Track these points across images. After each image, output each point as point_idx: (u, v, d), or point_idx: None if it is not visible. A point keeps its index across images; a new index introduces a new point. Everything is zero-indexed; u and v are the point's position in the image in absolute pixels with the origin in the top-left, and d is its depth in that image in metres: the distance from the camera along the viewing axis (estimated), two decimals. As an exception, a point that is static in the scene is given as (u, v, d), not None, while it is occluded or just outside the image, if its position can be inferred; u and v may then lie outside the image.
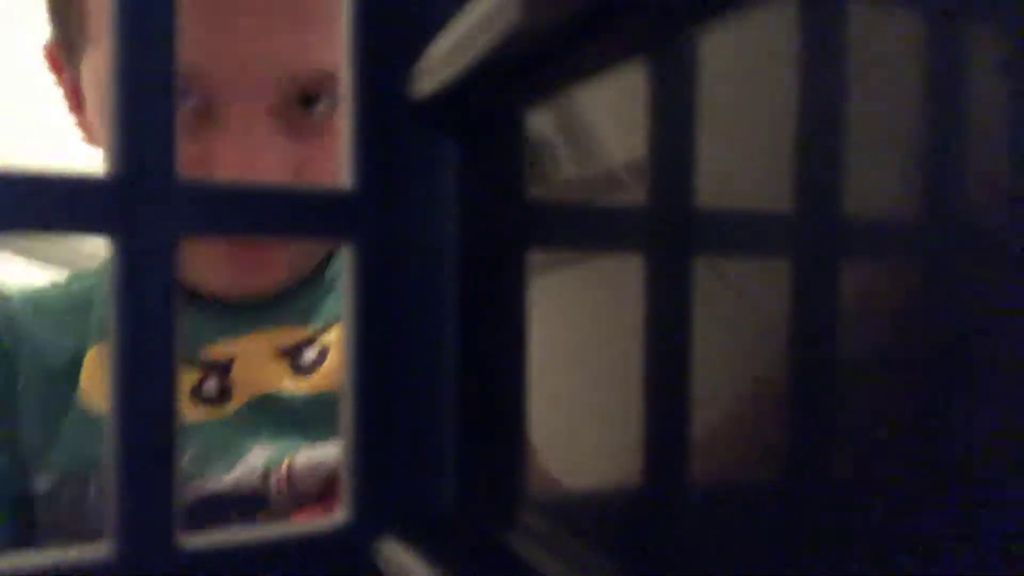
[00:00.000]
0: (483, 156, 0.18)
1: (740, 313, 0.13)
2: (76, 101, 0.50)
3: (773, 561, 0.12)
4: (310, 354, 0.50)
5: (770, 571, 0.12)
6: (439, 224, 0.18)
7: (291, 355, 0.48)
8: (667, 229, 0.14)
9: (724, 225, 0.13)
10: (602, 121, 0.16)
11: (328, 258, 0.53)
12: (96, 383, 0.46)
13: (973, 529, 0.09)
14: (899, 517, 0.10)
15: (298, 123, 0.43)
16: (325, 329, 0.50)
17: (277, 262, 0.48)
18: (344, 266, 0.17)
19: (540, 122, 0.17)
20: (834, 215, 0.11)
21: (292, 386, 0.47)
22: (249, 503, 0.44)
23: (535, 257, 0.17)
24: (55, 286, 0.54)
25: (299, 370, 0.48)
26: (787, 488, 0.12)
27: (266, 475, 0.45)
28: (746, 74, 0.13)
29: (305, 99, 0.43)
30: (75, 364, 0.46)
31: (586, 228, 0.16)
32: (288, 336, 0.50)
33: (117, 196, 0.16)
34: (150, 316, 0.16)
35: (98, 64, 0.47)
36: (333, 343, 0.49)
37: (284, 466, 0.45)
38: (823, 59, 0.11)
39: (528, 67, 0.16)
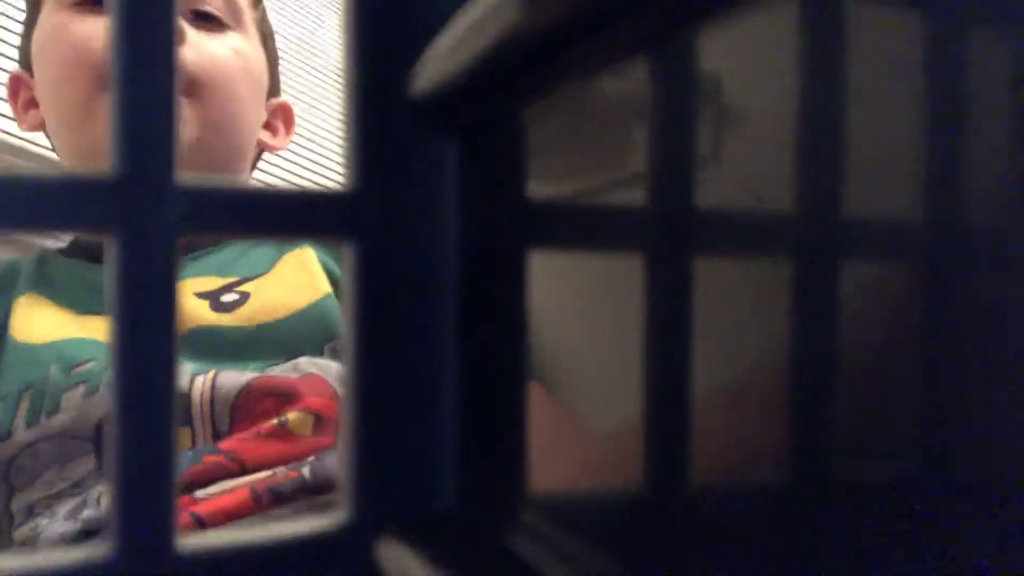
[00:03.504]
0: (483, 156, 0.18)
1: (743, 313, 0.13)
2: (26, 106, 0.61)
3: (774, 561, 0.12)
4: (229, 296, 0.57)
5: (771, 571, 0.12)
6: (439, 224, 0.18)
7: (210, 298, 0.57)
8: (668, 227, 0.14)
9: (726, 224, 0.14)
10: (603, 120, 0.16)
11: None
12: (23, 321, 0.57)
13: (976, 530, 0.09)
14: (901, 517, 0.10)
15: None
16: (242, 282, 0.58)
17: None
18: (345, 266, 0.17)
19: (541, 122, 0.17)
20: (839, 212, 0.11)
21: (213, 319, 0.55)
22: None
23: (535, 256, 0.17)
24: None
25: (219, 308, 0.56)
26: (789, 488, 0.12)
27: (192, 379, 0.51)
28: (748, 73, 0.13)
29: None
30: (6, 315, 0.58)
31: (586, 227, 0.16)
32: (206, 284, 0.58)
33: (117, 196, 0.16)
34: (149, 312, 0.16)
35: (44, 28, 0.60)
36: (254, 289, 0.57)
37: (211, 375, 0.52)
38: (824, 57, 0.11)
39: (528, 67, 0.16)
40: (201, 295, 0.58)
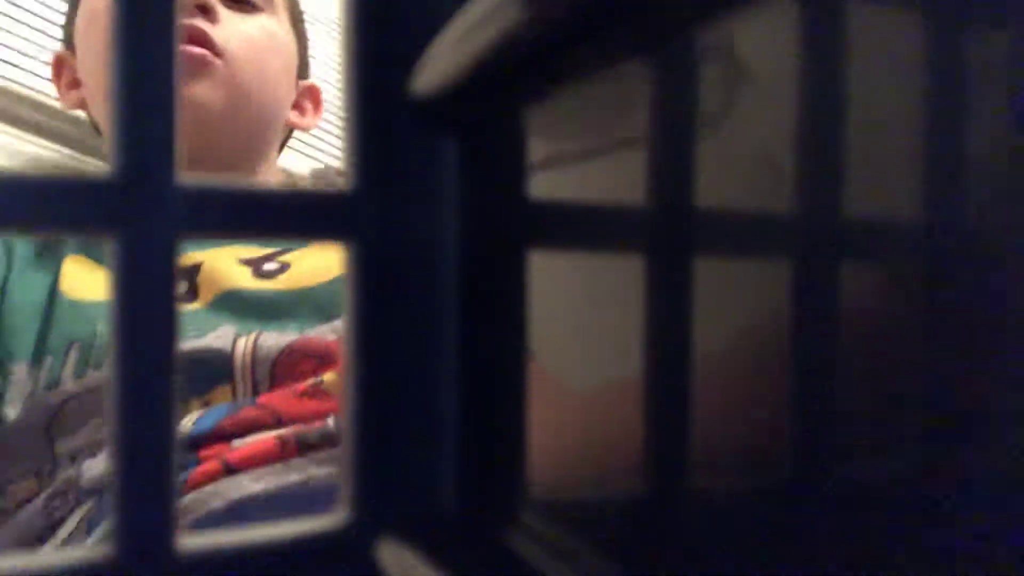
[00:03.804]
0: (483, 155, 0.18)
1: (743, 312, 0.13)
2: (69, 85, 0.63)
3: (775, 561, 0.12)
4: (271, 266, 0.60)
5: (772, 571, 0.12)
6: (440, 223, 0.18)
7: (253, 265, 0.58)
8: (669, 227, 0.14)
9: (725, 223, 0.13)
10: (603, 118, 0.16)
11: None
12: (72, 280, 0.59)
13: (978, 530, 0.09)
14: (902, 516, 0.10)
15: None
16: (283, 252, 0.61)
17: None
18: (345, 266, 0.17)
19: (542, 121, 0.17)
20: (843, 207, 0.11)
21: (254, 285, 0.56)
22: (214, 365, 0.52)
23: (535, 255, 0.17)
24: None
25: (261, 275, 0.59)
26: (790, 488, 0.12)
27: (235, 339, 0.53)
28: (749, 72, 0.13)
29: None
30: (56, 274, 0.60)
31: (587, 226, 0.16)
32: (250, 252, 0.60)
33: (118, 197, 0.16)
34: (150, 314, 0.16)
35: (87, 10, 0.63)
36: (294, 260, 0.60)
37: (253, 336, 0.54)
38: (825, 56, 0.11)
39: (528, 66, 0.16)
40: (245, 261, 0.60)
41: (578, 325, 0.17)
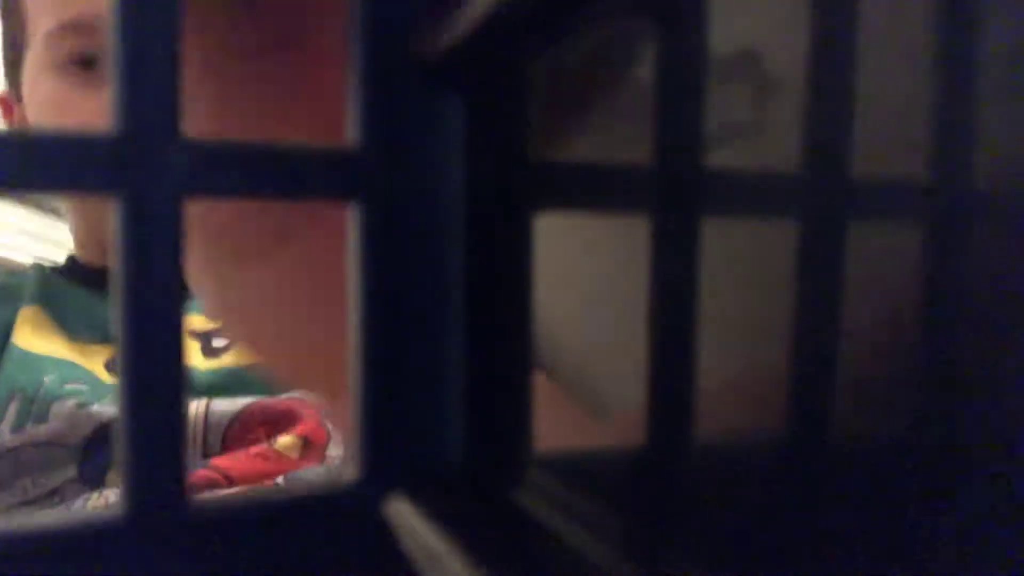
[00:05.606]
0: (491, 112, 0.17)
1: (751, 274, 0.13)
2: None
3: (783, 517, 0.12)
4: (220, 341, 0.59)
5: (779, 527, 0.12)
6: (446, 182, 0.18)
7: (202, 338, 0.57)
8: (679, 189, 0.14)
9: (735, 185, 0.13)
10: (612, 76, 0.16)
11: None
12: (26, 331, 0.58)
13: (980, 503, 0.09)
14: (908, 488, 0.10)
15: None
16: None
17: None
18: (351, 226, 0.17)
19: (550, 78, 0.16)
20: (856, 177, 0.11)
21: (201, 365, 0.55)
22: None
23: (542, 215, 0.17)
24: None
25: (209, 352, 0.56)
26: (798, 445, 0.12)
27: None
28: (769, 27, 0.12)
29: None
30: (10, 322, 0.58)
31: (595, 187, 0.16)
32: (200, 323, 0.57)
33: (120, 155, 0.15)
34: (155, 275, 0.16)
35: (32, 63, 0.59)
36: None
37: (204, 402, 0.52)
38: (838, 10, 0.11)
39: (536, 22, 0.15)
40: (194, 335, 0.59)
41: (584, 284, 0.17)
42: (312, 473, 0.52)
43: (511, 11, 0.15)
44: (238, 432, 0.54)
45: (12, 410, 0.55)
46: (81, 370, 0.56)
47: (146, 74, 0.15)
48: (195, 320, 0.59)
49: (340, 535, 0.17)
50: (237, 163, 0.16)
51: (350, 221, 0.17)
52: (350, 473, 0.17)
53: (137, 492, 0.16)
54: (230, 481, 0.50)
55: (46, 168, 0.15)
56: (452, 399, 0.18)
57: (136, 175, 0.15)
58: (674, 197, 0.14)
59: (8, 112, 0.67)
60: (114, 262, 0.15)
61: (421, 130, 0.17)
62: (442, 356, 0.18)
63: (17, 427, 0.54)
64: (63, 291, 0.62)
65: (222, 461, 0.52)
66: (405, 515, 0.17)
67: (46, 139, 0.15)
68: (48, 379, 0.55)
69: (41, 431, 0.53)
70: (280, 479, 0.50)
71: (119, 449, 0.16)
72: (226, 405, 0.54)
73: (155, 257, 0.16)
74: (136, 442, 0.16)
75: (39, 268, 0.65)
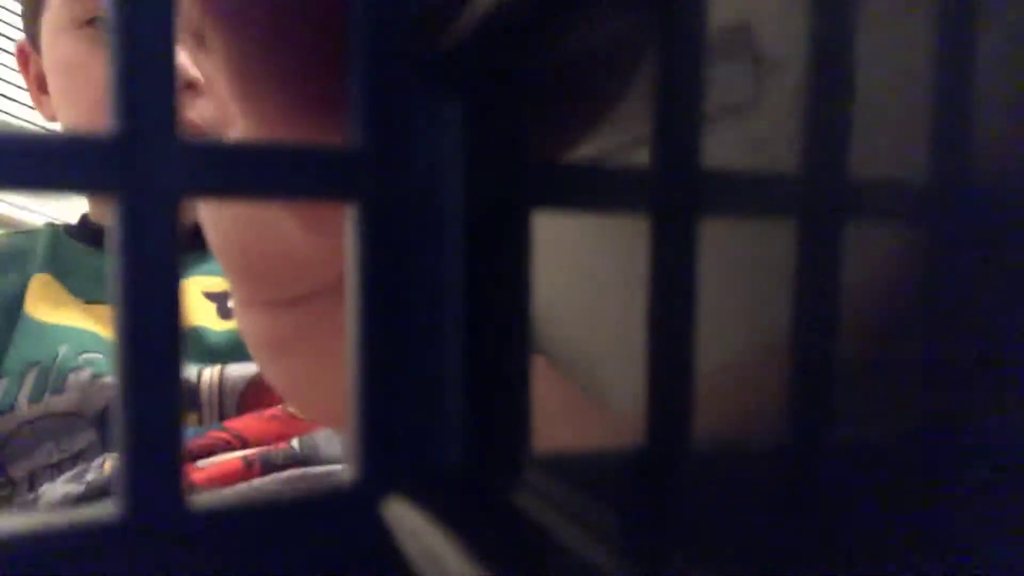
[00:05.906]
0: (490, 114, 0.17)
1: (750, 273, 0.13)
2: (39, 86, 0.61)
3: (782, 517, 0.12)
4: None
5: (779, 527, 0.12)
6: (445, 183, 0.18)
7: (218, 300, 0.56)
8: (679, 189, 0.14)
9: (734, 185, 0.13)
10: (611, 77, 0.16)
11: None
12: (37, 300, 0.56)
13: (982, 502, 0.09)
14: (909, 487, 0.10)
15: None
16: None
17: None
18: (348, 227, 0.17)
19: (548, 79, 0.16)
20: (858, 175, 0.11)
21: (216, 326, 0.54)
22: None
23: (541, 216, 0.17)
24: None
25: (225, 314, 0.55)
26: (798, 445, 0.12)
27: (200, 371, 0.51)
28: (769, 23, 0.12)
29: None
30: (21, 291, 0.57)
31: (594, 188, 0.16)
32: (214, 284, 0.57)
33: (118, 155, 0.15)
34: (152, 273, 0.16)
35: (50, 21, 0.59)
36: None
37: (218, 367, 0.52)
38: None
39: (535, 23, 0.15)
40: (210, 296, 0.58)
41: (582, 284, 0.17)
42: (323, 435, 0.52)
43: (511, 12, 0.15)
44: (253, 398, 0.54)
45: (29, 381, 0.54)
46: (96, 337, 0.56)
47: (142, 73, 0.15)
48: (210, 281, 0.58)
49: (340, 535, 0.17)
50: (235, 163, 0.16)
51: (348, 221, 0.17)
52: (350, 473, 0.17)
53: (134, 492, 0.16)
54: (243, 443, 0.51)
55: (44, 167, 0.15)
56: (451, 399, 0.18)
57: (135, 175, 0.15)
58: (674, 197, 0.14)
59: (24, 63, 0.66)
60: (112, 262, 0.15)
61: (420, 131, 0.17)
62: (441, 356, 0.18)
63: (35, 398, 0.55)
64: (75, 254, 0.61)
65: (236, 423, 0.52)
66: (405, 515, 0.17)
67: (44, 138, 0.15)
68: (63, 349, 0.55)
69: (59, 402, 0.54)
70: (294, 441, 0.50)
71: (117, 449, 0.16)
72: (240, 370, 0.54)
73: (153, 258, 0.16)
74: (133, 443, 0.16)
75: (51, 229, 0.64)
